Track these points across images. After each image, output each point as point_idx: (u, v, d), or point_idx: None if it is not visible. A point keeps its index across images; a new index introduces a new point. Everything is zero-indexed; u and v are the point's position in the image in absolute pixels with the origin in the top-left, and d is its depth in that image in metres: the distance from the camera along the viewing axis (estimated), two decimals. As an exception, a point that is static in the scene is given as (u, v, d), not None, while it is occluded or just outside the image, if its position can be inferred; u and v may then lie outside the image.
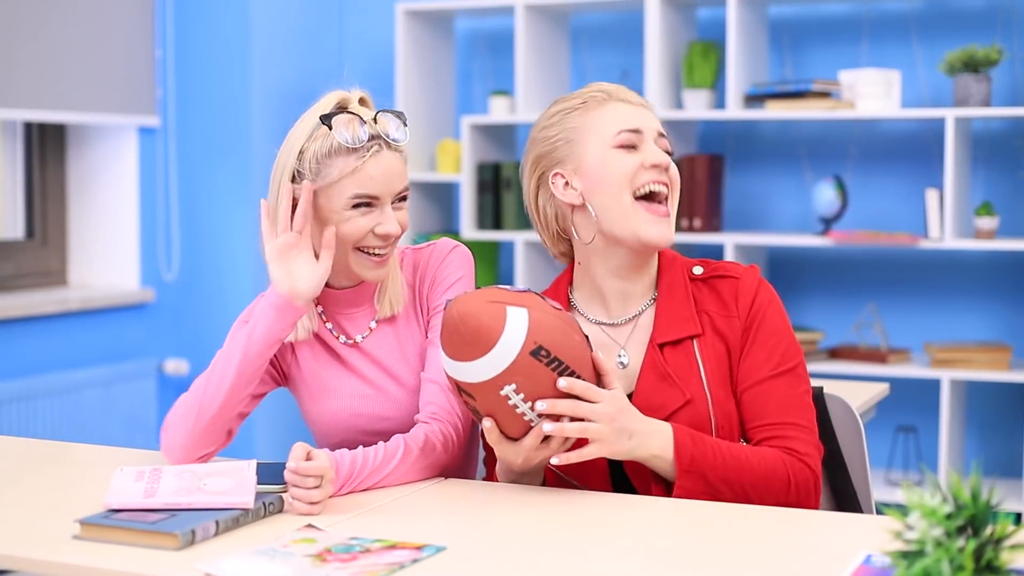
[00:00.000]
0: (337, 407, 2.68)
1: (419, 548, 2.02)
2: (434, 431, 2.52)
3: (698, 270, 2.56)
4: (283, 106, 5.39)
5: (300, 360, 2.70)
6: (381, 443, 2.47)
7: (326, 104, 2.59)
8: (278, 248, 2.50)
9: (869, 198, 5.18)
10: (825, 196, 4.94)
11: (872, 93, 4.85)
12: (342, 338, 2.68)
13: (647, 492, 2.44)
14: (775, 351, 2.50)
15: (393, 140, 2.57)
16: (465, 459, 2.69)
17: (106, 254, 5.42)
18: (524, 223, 5.38)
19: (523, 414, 2.28)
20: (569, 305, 2.60)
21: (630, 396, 2.48)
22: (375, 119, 2.57)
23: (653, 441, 2.34)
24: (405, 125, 2.61)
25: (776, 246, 5.13)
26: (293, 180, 2.57)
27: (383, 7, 5.69)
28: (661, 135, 2.52)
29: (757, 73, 5.14)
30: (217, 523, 2.11)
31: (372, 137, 2.54)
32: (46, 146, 5.30)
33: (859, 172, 5.21)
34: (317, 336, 2.69)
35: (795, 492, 2.39)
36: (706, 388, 2.46)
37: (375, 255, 2.57)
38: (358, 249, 2.56)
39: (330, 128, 2.53)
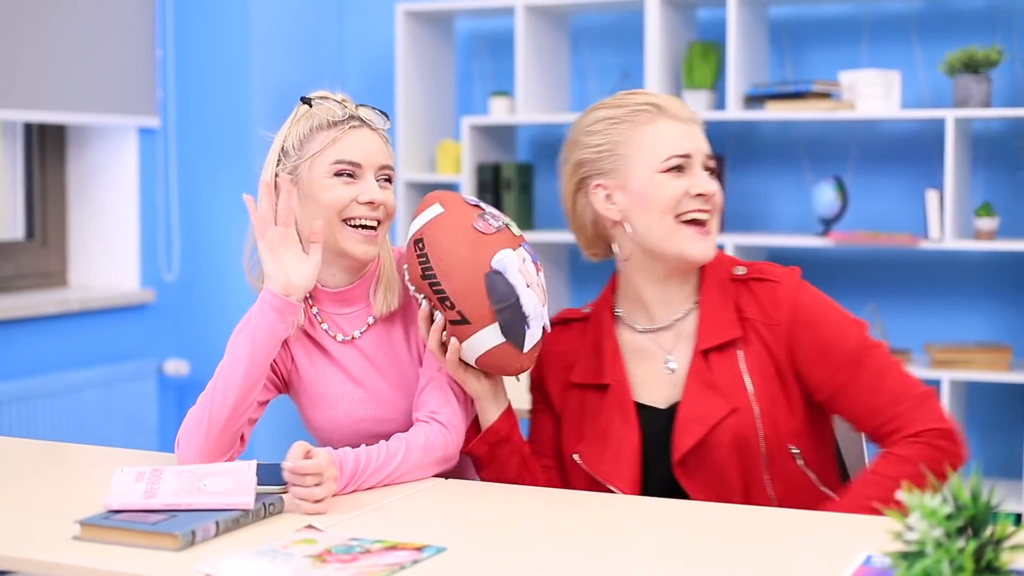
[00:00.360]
0: (338, 415, 2.68)
1: (419, 549, 2.02)
2: (433, 430, 2.52)
3: (740, 270, 2.56)
4: (283, 107, 5.36)
5: (299, 367, 2.70)
6: (383, 442, 2.47)
7: (310, 94, 2.66)
8: (267, 244, 2.50)
9: (869, 199, 5.18)
10: (825, 197, 4.94)
11: (872, 94, 4.85)
12: (339, 336, 2.68)
13: (692, 488, 2.46)
14: (841, 344, 2.49)
15: (372, 123, 2.62)
16: (465, 459, 2.69)
17: (106, 254, 5.42)
18: (524, 224, 5.38)
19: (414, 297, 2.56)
20: (614, 316, 2.62)
21: (676, 405, 2.50)
22: (356, 108, 2.63)
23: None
24: (387, 119, 2.66)
25: (776, 247, 5.13)
26: (279, 163, 2.61)
27: (383, 8, 5.69)
28: (709, 156, 2.53)
29: (757, 74, 5.14)
30: (217, 524, 2.11)
31: (352, 116, 2.60)
32: (46, 146, 5.30)
33: (859, 173, 5.20)
34: (313, 340, 2.69)
35: (948, 465, 2.39)
36: (752, 397, 2.46)
37: (363, 227, 2.58)
38: (345, 223, 2.57)
39: (310, 107, 2.60)
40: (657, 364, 2.56)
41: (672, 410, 2.51)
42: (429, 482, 2.48)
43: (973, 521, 1.56)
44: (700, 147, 2.51)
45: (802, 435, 2.50)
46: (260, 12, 5.43)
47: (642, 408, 2.54)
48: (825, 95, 4.91)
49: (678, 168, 2.48)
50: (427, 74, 5.55)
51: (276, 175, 2.60)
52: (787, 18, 5.30)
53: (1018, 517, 4.70)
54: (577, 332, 2.65)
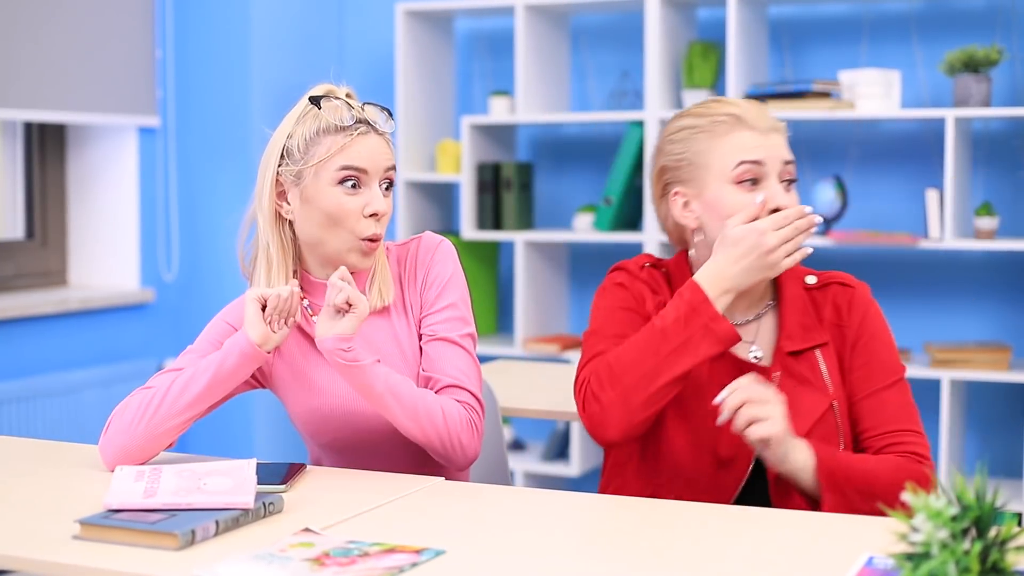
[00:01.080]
0: (320, 403, 2.66)
1: (418, 552, 2.01)
2: (468, 420, 2.57)
3: (811, 280, 2.64)
4: (283, 106, 5.35)
5: (286, 356, 2.69)
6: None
7: (316, 91, 2.65)
8: (262, 299, 2.52)
9: (869, 198, 5.18)
10: (825, 196, 4.94)
11: (872, 93, 4.84)
12: None
13: (785, 504, 2.46)
14: (887, 362, 2.59)
15: (378, 125, 2.61)
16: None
17: (106, 254, 5.42)
18: (524, 223, 5.38)
19: None
20: None
21: None
22: (362, 108, 2.62)
23: (798, 453, 2.40)
24: (391, 117, 2.65)
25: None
26: (281, 162, 2.60)
27: (383, 7, 5.69)
28: (787, 163, 2.54)
29: (757, 73, 5.14)
30: (217, 523, 2.11)
31: (359, 120, 2.59)
32: (46, 146, 5.30)
33: (859, 172, 5.20)
34: (301, 330, 2.68)
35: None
36: (832, 397, 2.54)
37: (366, 241, 2.57)
38: (348, 237, 2.57)
39: (319, 108, 2.59)
40: (733, 356, 2.57)
41: None
42: (428, 483, 2.48)
43: (978, 522, 1.56)
44: (776, 155, 2.53)
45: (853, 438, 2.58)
46: (260, 12, 5.43)
47: None
48: (825, 95, 4.91)
49: (753, 180, 2.50)
50: (427, 73, 5.55)
51: (277, 175, 2.60)
52: (787, 17, 5.30)
53: (1019, 517, 4.69)
54: (665, 281, 2.66)
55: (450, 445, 2.54)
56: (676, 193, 2.58)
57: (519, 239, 5.27)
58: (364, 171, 2.56)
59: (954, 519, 1.55)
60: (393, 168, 2.63)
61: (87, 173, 5.41)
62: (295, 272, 2.67)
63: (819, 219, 2.45)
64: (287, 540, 2.06)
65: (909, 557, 1.58)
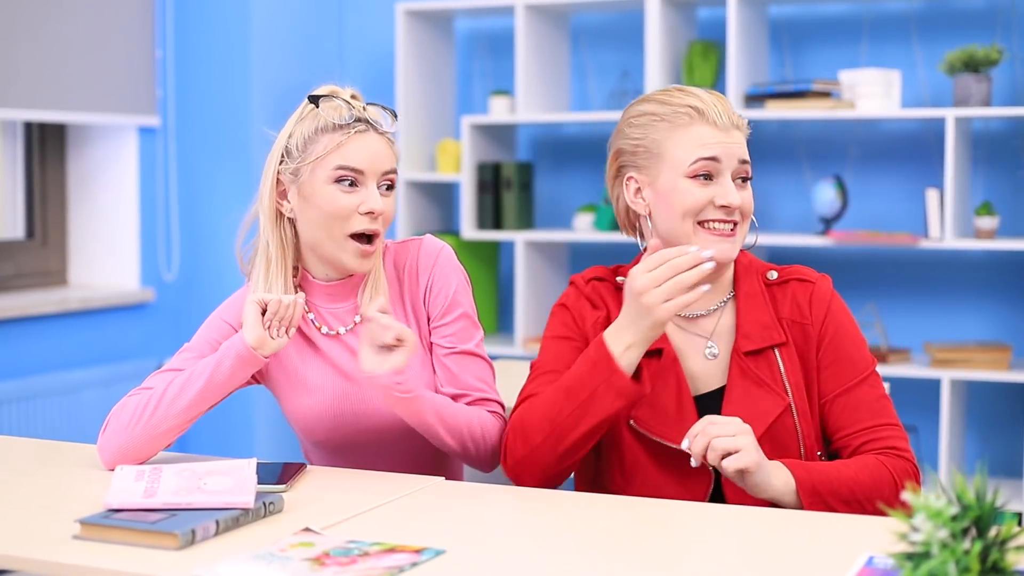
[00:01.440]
0: (313, 402, 2.66)
1: (418, 551, 2.01)
2: (500, 428, 2.61)
3: (772, 275, 2.60)
4: (283, 106, 5.36)
5: (280, 354, 2.68)
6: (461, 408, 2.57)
7: (319, 91, 2.63)
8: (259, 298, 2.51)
9: (869, 198, 5.17)
10: (825, 196, 4.94)
11: (872, 93, 4.84)
12: (324, 328, 2.67)
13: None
14: (856, 358, 2.55)
15: (379, 125, 2.60)
16: (454, 460, 2.70)
17: (106, 254, 5.42)
18: (524, 223, 5.38)
19: None
20: None
21: (721, 391, 2.51)
22: (364, 108, 2.60)
23: (777, 478, 2.34)
24: (396, 119, 2.64)
25: (776, 246, 5.13)
26: (282, 160, 2.60)
27: (383, 7, 5.69)
28: (743, 162, 2.53)
29: (757, 73, 5.14)
30: (217, 523, 2.11)
31: (359, 119, 2.58)
32: (46, 146, 5.30)
33: (859, 172, 5.20)
34: (299, 329, 2.68)
35: (901, 488, 2.42)
36: (791, 398, 2.50)
37: (362, 238, 2.57)
38: (345, 237, 2.56)
39: (318, 107, 2.58)
40: (688, 353, 2.56)
41: (717, 395, 2.52)
42: (428, 483, 2.48)
43: (978, 522, 1.55)
44: (733, 153, 2.51)
45: (820, 439, 2.54)
46: (260, 12, 5.43)
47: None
48: (825, 94, 4.91)
49: (706, 176, 2.49)
50: (427, 73, 5.55)
51: (278, 173, 2.60)
52: (787, 17, 5.30)
53: (1019, 517, 4.69)
54: (613, 294, 2.62)
55: (487, 456, 2.60)
56: (630, 178, 2.56)
57: (519, 239, 5.27)
58: (360, 171, 2.55)
59: (954, 519, 1.55)
60: (393, 171, 2.61)
61: (87, 173, 5.41)
62: (295, 270, 2.66)
63: (709, 261, 2.35)
64: (287, 540, 2.06)
65: (909, 557, 1.58)
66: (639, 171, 2.54)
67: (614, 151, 2.60)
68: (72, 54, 5.07)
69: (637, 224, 2.61)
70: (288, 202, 2.62)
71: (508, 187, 5.33)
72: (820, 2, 5.21)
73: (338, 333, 2.67)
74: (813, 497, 2.34)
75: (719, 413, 2.46)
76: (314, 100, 2.59)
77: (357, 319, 2.67)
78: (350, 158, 2.54)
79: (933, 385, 4.87)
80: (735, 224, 2.52)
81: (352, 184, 2.55)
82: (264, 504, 2.22)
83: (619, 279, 2.62)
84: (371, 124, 2.58)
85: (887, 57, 5.14)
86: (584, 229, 5.29)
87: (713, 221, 2.50)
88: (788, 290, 2.58)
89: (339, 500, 2.34)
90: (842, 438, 2.51)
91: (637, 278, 2.35)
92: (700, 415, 2.45)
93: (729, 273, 2.60)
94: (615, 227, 5.19)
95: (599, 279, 2.65)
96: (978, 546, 1.54)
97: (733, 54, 4.93)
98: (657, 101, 2.56)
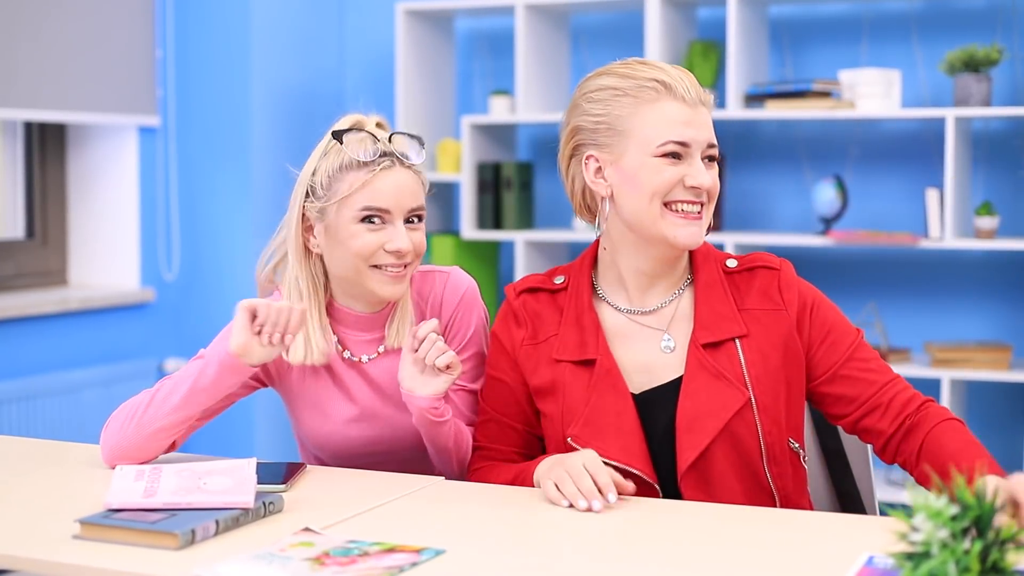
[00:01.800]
0: (328, 430, 2.67)
1: (418, 551, 2.01)
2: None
3: (732, 263, 2.49)
4: (283, 106, 5.38)
5: (296, 370, 2.67)
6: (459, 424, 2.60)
7: (342, 123, 2.58)
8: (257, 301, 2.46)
9: (869, 198, 5.17)
10: (825, 196, 4.94)
11: (872, 93, 4.84)
12: (347, 353, 2.66)
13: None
14: (843, 326, 2.47)
15: (406, 158, 2.55)
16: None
17: (106, 254, 5.41)
18: (524, 223, 5.38)
19: None
20: (594, 292, 2.53)
21: (678, 382, 2.43)
22: (390, 139, 2.56)
23: None
24: (423, 147, 2.58)
25: (776, 246, 5.12)
26: (307, 197, 2.57)
27: (383, 7, 5.68)
28: (711, 144, 2.43)
29: (757, 73, 5.14)
30: (217, 523, 2.11)
31: (384, 154, 2.53)
32: (46, 146, 5.30)
33: (859, 172, 5.20)
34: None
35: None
36: (751, 392, 2.39)
37: (389, 271, 2.55)
38: (373, 267, 2.55)
39: (342, 143, 2.53)
40: (643, 346, 2.47)
41: (674, 386, 2.43)
42: (428, 483, 2.48)
43: (978, 522, 1.55)
44: (702, 135, 2.40)
45: (792, 430, 2.46)
46: (260, 11, 5.42)
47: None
48: (825, 94, 4.91)
49: (675, 155, 2.38)
50: (427, 73, 5.55)
51: (304, 209, 2.58)
52: (787, 17, 5.30)
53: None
54: (547, 302, 2.55)
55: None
56: (589, 156, 2.43)
57: (519, 238, 5.26)
58: (386, 211, 2.52)
59: (954, 519, 1.55)
60: (420, 207, 2.57)
61: (87, 173, 5.41)
62: (328, 305, 2.65)
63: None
64: (287, 540, 2.06)
65: (909, 557, 1.58)
66: (600, 149, 2.42)
67: (570, 128, 2.48)
68: (72, 54, 5.07)
69: (594, 207, 2.49)
70: (315, 238, 2.59)
71: (508, 187, 5.33)
72: (820, 2, 5.21)
73: (359, 361, 2.67)
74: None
75: (675, 406, 2.39)
76: (338, 136, 2.54)
77: (381, 349, 2.66)
78: (375, 198, 2.51)
79: (933, 385, 4.87)
80: (702, 206, 2.41)
81: (380, 221, 2.53)
82: (264, 504, 2.22)
83: (557, 280, 2.55)
84: (397, 158, 2.55)
85: (887, 57, 5.14)
86: (584, 229, 5.29)
87: (681, 203, 2.39)
88: (753, 279, 2.47)
89: (339, 500, 2.34)
90: (863, 403, 2.43)
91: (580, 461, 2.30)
92: (652, 410, 2.41)
93: (685, 261, 2.50)
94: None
95: (530, 291, 2.57)
96: (978, 546, 1.54)
97: (733, 54, 4.93)
98: (618, 75, 2.47)
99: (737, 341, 2.42)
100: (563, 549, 2.09)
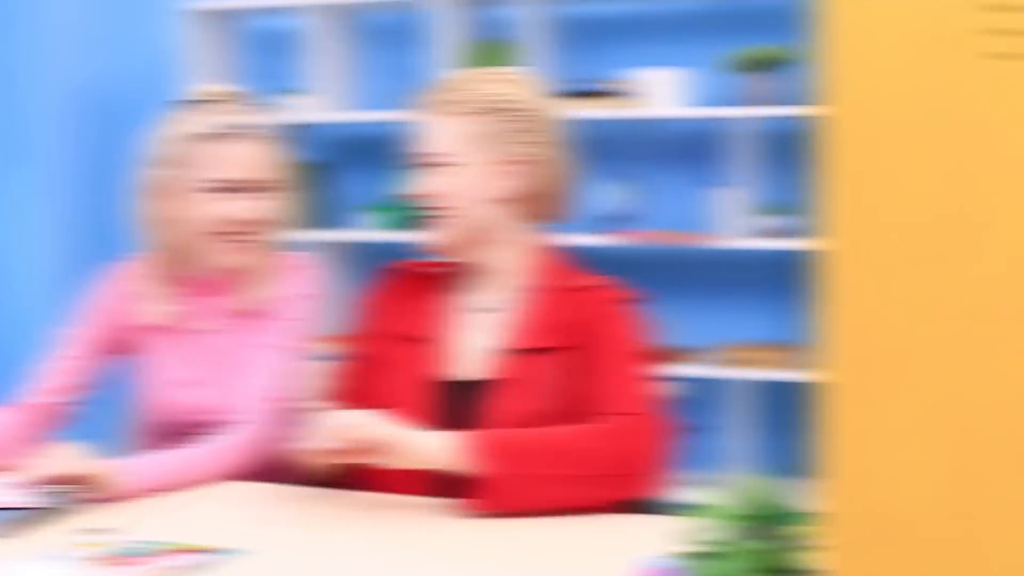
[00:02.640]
0: (166, 392, 2.65)
1: (209, 551, 2.01)
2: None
3: (571, 281, 2.56)
4: (69, 107, 5.28)
5: (141, 336, 2.66)
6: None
7: (190, 94, 2.63)
8: None
9: (658, 197, 5.22)
10: (614, 196, 4.97)
11: (660, 92, 4.89)
12: (191, 321, 2.66)
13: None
14: (616, 352, 2.46)
15: (250, 128, 2.58)
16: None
17: None
18: (318, 222, 5.33)
19: None
20: None
21: (484, 383, 2.45)
22: (239, 108, 2.60)
23: (424, 440, 2.28)
24: (269, 115, 2.65)
25: (565, 246, 5.14)
26: (157, 166, 2.56)
27: (165, 6, 5.57)
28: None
29: (545, 73, 5.15)
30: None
31: (231, 126, 2.56)
32: None
33: (648, 171, 5.25)
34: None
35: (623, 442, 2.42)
36: (550, 405, 2.42)
37: (233, 241, 2.56)
38: (216, 235, 2.55)
39: (187, 114, 2.57)
40: (467, 340, 2.53)
41: (480, 385, 2.46)
42: (227, 484, 2.45)
43: (766, 522, 1.56)
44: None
45: None
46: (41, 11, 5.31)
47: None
48: (613, 94, 4.94)
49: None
50: (214, 73, 5.46)
51: (154, 179, 2.58)
52: (575, 16, 5.32)
53: (806, 517, 4.77)
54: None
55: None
56: None
57: (318, 237, 5.22)
58: (234, 181, 2.55)
59: (741, 518, 1.55)
60: (268, 177, 2.59)
61: None
62: (173, 271, 2.64)
63: None
64: (77, 539, 2.04)
65: (696, 556, 1.58)
66: None
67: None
68: None
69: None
70: (165, 206, 2.58)
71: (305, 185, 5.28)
72: (609, 1, 5.24)
73: (203, 330, 2.65)
74: (488, 456, 2.24)
75: (478, 404, 2.43)
76: (186, 105, 2.57)
77: (227, 314, 2.65)
78: (222, 169, 2.54)
79: (723, 385, 4.93)
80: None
81: (226, 191, 2.55)
82: (53, 503, 2.18)
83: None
84: (244, 130, 2.57)
85: (675, 56, 5.19)
86: (370, 228, 5.27)
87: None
88: (584, 296, 2.54)
89: (134, 500, 2.30)
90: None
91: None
92: (456, 402, 2.44)
93: (521, 269, 2.58)
94: (399, 226, 5.17)
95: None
96: (765, 546, 1.54)
97: (522, 53, 4.94)
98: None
99: (548, 353, 2.45)
100: (364, 550, 2.08)
